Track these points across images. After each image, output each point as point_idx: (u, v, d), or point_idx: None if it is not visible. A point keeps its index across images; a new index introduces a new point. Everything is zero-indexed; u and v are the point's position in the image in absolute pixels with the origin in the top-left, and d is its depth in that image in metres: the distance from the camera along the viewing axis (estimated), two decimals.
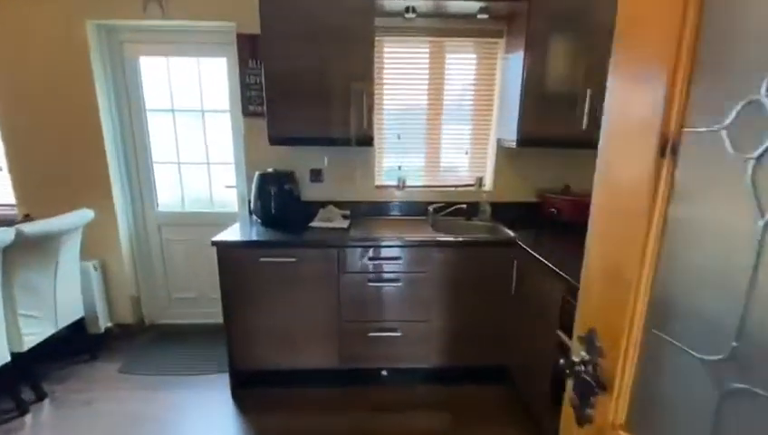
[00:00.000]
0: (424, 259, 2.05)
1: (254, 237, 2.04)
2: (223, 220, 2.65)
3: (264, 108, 2.13)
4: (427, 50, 2.44)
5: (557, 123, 2.05)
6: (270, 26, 2.00)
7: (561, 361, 0.71)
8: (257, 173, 2.31)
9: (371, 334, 2.12)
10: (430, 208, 2.47)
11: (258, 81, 2.35)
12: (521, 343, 2.01)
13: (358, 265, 2.04)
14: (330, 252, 2.01)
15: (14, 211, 2.54)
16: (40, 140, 2.43)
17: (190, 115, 2.65)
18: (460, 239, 2.06)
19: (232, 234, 2.09)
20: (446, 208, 2.50)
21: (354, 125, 2.14)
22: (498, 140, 2.51)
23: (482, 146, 2.60)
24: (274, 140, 2.16)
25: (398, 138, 2.56)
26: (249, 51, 2.33)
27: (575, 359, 0.69)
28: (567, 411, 0.74)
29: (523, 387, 2.00)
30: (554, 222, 2.36)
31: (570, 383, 0.72)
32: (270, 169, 2.34)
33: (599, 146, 0.72)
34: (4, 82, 2.36)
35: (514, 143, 2.21)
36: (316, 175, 2.52)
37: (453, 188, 2.63)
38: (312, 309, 2.07)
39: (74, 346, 2.42)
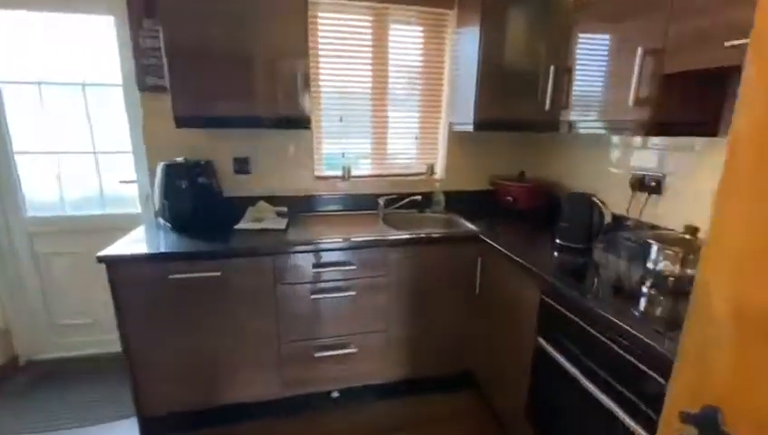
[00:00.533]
0: (379, 261, 1.76)
1: (162, 248, 1.58)
2: (121, 224, 2.10)
3: (167, 78, 1.64)
4: (370, 19, 2.11)
5: (517, 105, 1.86)
6: None
7: None
8: (161, 164, 1.82)
9: (320, 354, 1.78)
10: (381, 201, 2.18)
11: (158, 45, 1.84)
12: (489, 346, 1.82)
13: (300, 275, 1.68)
14: (263, 261, 1.63)
15: None
16: None
17: (66, 90, 2.03)
18: (421, 236, 1.80)
19: (129, 245, 1.60)
20: (399, 200, 2.23)
21: (286, 103, 1.74)
22: (450, 124, 2.28)
23: (431, 130, 2.36)
24: (182, 122, 1.68)
25: (341, 120, 2.21)
26: (143, 6, 1.79)
27: None
28: None
29: (492, 396, 1.82)
30: (511, 211, 2.21)
31: None
32: (179, 159, 1.86)
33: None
34: None
35: (470, 127, 2.00)
36: (242, 165, 2.08)
37: (402, 177, 2.36)
38: (244, 332, 1.68)
39: None
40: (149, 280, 1.52)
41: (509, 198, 2.21)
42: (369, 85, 2.18)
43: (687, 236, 1.28)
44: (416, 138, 2.35)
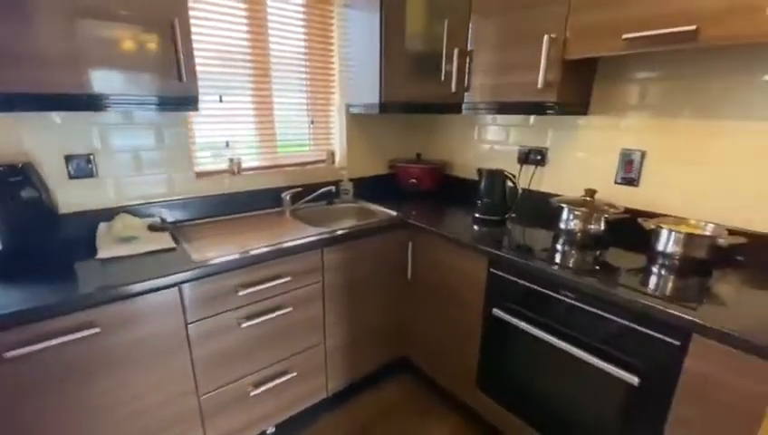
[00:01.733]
0: (314, 266, 1.52)
1: None
2: None
3: None
4: None
5: (423, 87, 1.87)
6: None
7: None
8: None
9: (256, 392, 1.45)
10: (286, 196, 1.88)
11: None
12: (427, 328, 1.84)
13: (221, 303, 1.30)
14: (163, 297, 1.17)
15: None
16: None
17: None
18: (356, 229, 1.63)
19: None
20: (304, 194, 1.97)
21: (157, 75, 1.27)
22: (347, 107, 2.13)
23: (323, 114, 2.16)
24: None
25: (220, 100, 1.77)
26: None
27: None
28: None
29: (436, 372, 1.86)
30: (414, 192, 2.26)
31: None
32: None
33: None
34: None
35: (375, 109, 1.91)
36: (81, 165, 1.44)
37: (300, 167, 2.10)
38: (150, 401, 1.20)
39: None
40: None
41: (413, 180, 2.24)
42: (249, 61, 1.81)
43: (587, 198, 1.55)
44: (312, 122, 2.11)
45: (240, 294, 1.32)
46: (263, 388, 1.46)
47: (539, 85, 1.46)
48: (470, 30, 1.71)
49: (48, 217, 1.24)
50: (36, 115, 1.32)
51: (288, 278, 1.44)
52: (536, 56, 1.46)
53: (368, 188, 2.24)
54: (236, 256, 1.30)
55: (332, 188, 2.01)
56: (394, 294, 1.86)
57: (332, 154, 2.20)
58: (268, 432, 1.60)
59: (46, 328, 0.99)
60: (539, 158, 1.89)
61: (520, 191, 1.78)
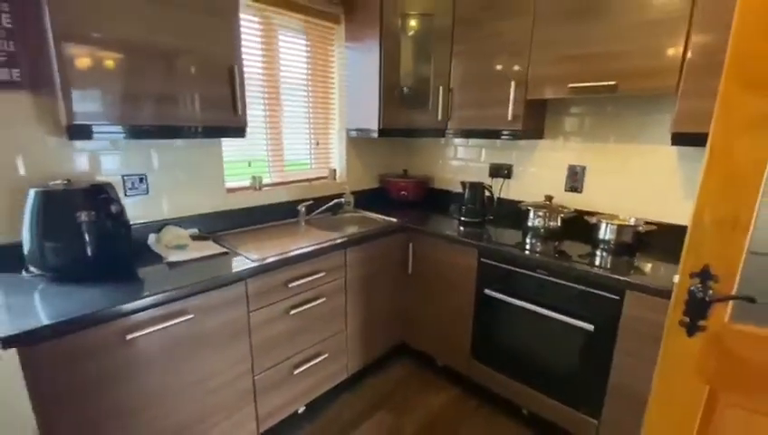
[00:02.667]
0: (340, 263, 1.84)
1: (103, 306, 1.15)
2: None
3: (56, 75, 1.18)
4: (257, 20, 2.04)
5: (414, 115, 2.28)
6: None
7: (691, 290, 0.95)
8: (34, 191, 1.27)
9: (298, 371, 1.72)
10: (301, 208, 2.18)
11: (11, 25, 1.25)
12: (425, 313, 2.20)
13: (273, 295, 1.57)
14: (235, 290, 1.44)
15: None
16: None
17: None
18: (368, 233, 1.97)
19: (40, 312, 1.09)
20: (317, 206, 2.28)
21: (220, 108, 1.55)
22: (347, 131, 2.49)
23: (323, 136, 2.49)
24: (80, 132, 1.25)
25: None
26: None
27: (692, 288, 0.95)
28: (674, 329, 1.00)
29: (435, 351, 2.22)
30: (404, 202, 2.65)
31: (680, 307, 0.97)
32: (56, 183, 1.34)
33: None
34: None
35: (374, 134, 2.29)
36: (136, 184, 1.66)
37: (307, 183, 2.41)
38: (219, 378, 1.44)
39: None
40: (96, 351, 1.11)
41: (403, 192, 2.63)
42: (263, 89, 2.11)
43: (547, 202, 2.03)
44: (317, 144, 2.43)
45: (289, 286, 1.60)
46: (303, 368, 1.73)
47: (508, 118, 1.94)
48: (451, 72, 2.16)
49: (125, 230, 1.45)
50: (101, 142, 1.53)
51: (323, 274, 1.74)
52: (505, 95, 1.93)
53: (364, 199, 2.59)
54: (287, 255, 1.59)
55: (341, 200, 2.34)
56: (397, 287, 2.21)
57: (333, 171, 2.53)
58: (299, 412, 1.86)
59: (154, 315, 1.22)
60: (506, 172, 2.37)
61: (495, 200, 2.24)
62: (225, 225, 1.95)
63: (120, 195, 1.59)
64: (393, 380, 2.21)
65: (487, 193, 2.23)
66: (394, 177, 2.71)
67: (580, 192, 2.09)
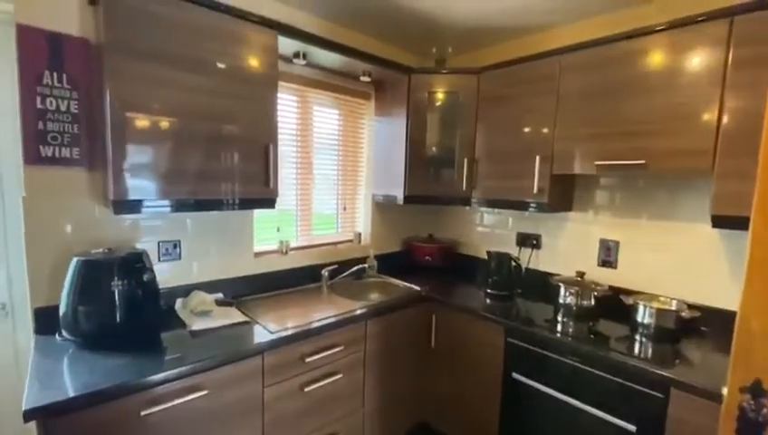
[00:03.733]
0: (359, 336, 1.79)
1: (123, 377, 1.16)
2: None
3: (109, 154, 1.31)
4: (295, 99, 2.21)
5: (438, 183, 2.32)
6: (126, 36, 1.29)
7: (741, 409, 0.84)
8: (77, 259, 1.36)
9: None
10: (325, 272, 2.19)
11: (66, 107, 1.43)
12: (449, 393, 2.07)
13: (289, 369, 1.54)
14: (251, 363, 1.42)
15: None
16: None
17: None
18: (391, 303, 1.94)
19: (58, 382, 1.12)
20: (341, 270, 2.29)
21: (253, 182, 1.65)
22: (373, 196, 2.55)
23: (351, 201, 2.56)
24: (125, 207, 1.36)
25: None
26: (46, 57, 1.38)
27: (743, 404, 0.84)
28: None
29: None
30: (428, 268, 2.61)
31: (730, 424, 0.86)
32: (99, 251, 1.43)
33: None
34: None
35: (400, 201, 2.33)
36: (170, 250, 1.74)
37: (332, 246, 2.44)
38: None
39: None
40: (111, 425, 1.11)
41: (428, 257, 2.61)
42: (296, 158, 2.23)
43: (579, 278, 1.94)
44: (344, 208, 2.50)
45: (306, 361, 1.57)
46: None
47: (534, 191, 1.92)
48: (476, 145, 2.21)
49: (154, 296, 1.50)
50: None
51: (341, 347, 1.70)
52: (530, 169, 1.93)
53: (388, 263, 2.58)
54: (306, 328, 1.58)
55: (365, 265, 2.35)
56: (419, 362, 2.11)
57: (359, 235, 2.56)
58: None
59: (168, 390, 1.22)
60: (534, 242, 2.31)
61: (523, 271, 2.17)
62: (251, 289, 1.98)
63: (154, 260, 1.67)
64: None
65: (514, 264, 2.16)
66: (419, 241, 2.70)
67: (615, 268, 1.98)
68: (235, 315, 1.66)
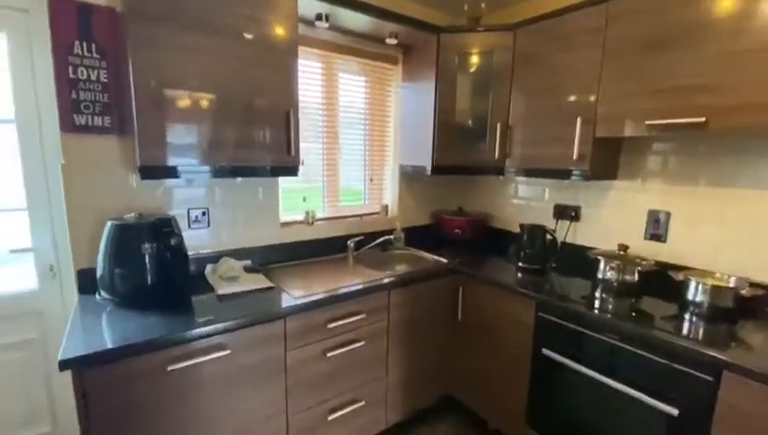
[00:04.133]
0: (383, 305, 1.77)
1: (153, 334, 1.21)
2: (6, 311, 1.54)
3: (135, 123, 1.34)
4: (320, 66, 2.15)
5: (469, 153, 2.20)
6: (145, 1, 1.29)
7: None
8: (111, 223, 1.43)
9: (332, 417, 1.65)
10: (351, 243, 2.18)
11: (97, 76, 1.47)
12: (475, 367, 2.02)
13: (312, 334, 1.55)
14: (274, 327, 1.45)
15: None
16: None
17: None
18: (414, 274, 1.90)
19: (92, 336, 1.19)
20: (367, 242, 2.26)
21: (274, 149, 1.63)
22: (400, 167, 2.48)
23: (378, 172, 2.51)
24: (152, 172, 1.39)
25: (302, 163, 2.13)
26: (76, 27, 1.42)
27: None
28: None
29: (484, 410, 2.01)
30: (459, 242, 2.52)
31: None
32: (130, 216, 1.49)
33: None
34: None
35: (427, 171, 2.24)
36: (198, 217, 1.79)
37: (358, 218, 2.41)
38: (252, 416, 1.43)
39: None
40: (138, 379, 1.17)
41: (457, 230, 2.52)
42: (322, 128, 2.19)
43: (621, 252, 1.78)
44: (371, 180, 2.45)
45: (329, 326, 1.57)
46: (338, 413, 1.66)
47: (573, 157, 1.76)
48: (511, 108, 2.05)
49: (183, 261, 1.55)
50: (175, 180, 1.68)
51: (363, 315, 1.69)
52: (570, 133, 1.77)
53: (415, 236, 2.52)
54: (329, 294, 1.57)
55: (391, 236, 2.31)
56: (445, 335, 2.07)
57: (386, 207, 2.51)
58: None
59: (193, 348, 1.26)
60: (573, 214, 2.15)
61: (559, 244, 2.03)
62: (277, 257, 2.01)
63: (184, 227, 1.73)
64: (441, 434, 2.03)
65: (549, 237, 2.02)
66: (448, 214, 2.61)
67: (664, 241, 1.80)
68: (261, 281, 1.69)
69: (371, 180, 2.46)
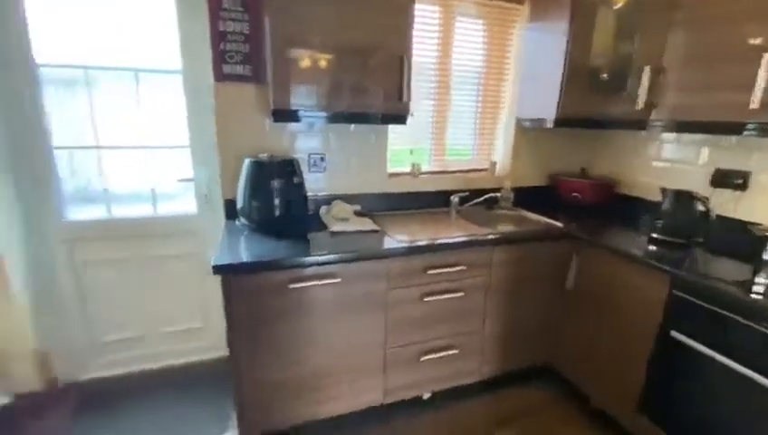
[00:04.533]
0: (484, 260, 1.73)
1: (279, 255, 1.41)
2: (174, 229, 1.93)
3: (270, 70, 1.49)
4: (437, 10, 2.03)
5: (604, 103, 1.91)
6: None
7: None
8: (248, 160, 1.65)
9: (425, 358, 1.73)
10: (454, 199, 2.14)
11: (240, 29, 1.66)
12: (581, 341, 1.86)
13: (412, 278, 1.62)
14: (378, 265, 1.54)
15: None
16: None
17: (114, 76, 1.78)
18: (521, 233, 1.80)
19: (235, 252, 1.44)
20: (471, 198, 2.20)
21: (386, 96, 1.65)
22: (517, 120, 2.28)
23: (490, 125, 2.35)
24: (283, 116, 1.55)
25: (411, 114, 2.12)
26: None
27: None
28: None
29: (587, 386, 1.87)
30: (577, 207, 2.26)
31: None
32: (263, 156, 1.70)
33: None
34: None
35: (549, 124, 2.01)
36: (317, 162, 1.95)
37: (464, 174, 2.34)
38: (354, 340, 1.59)
39: None
40: (267, 291, 1.39)
41: (576, 194, 2.26)
42: (435, 83, 2.12)
43: None
44: (481, 133, 2.33)
45: (429, 272, 1.61)
46: (431, 356, 1.73)
47: (752, 106, 1.39)
48: (667, 47, 1.68)
49: (302, 199, 1.73)
50: (298, 126, 1.85)
51: (463, 267, 1.68)
52: (748, 75, 1.38)
53: (527, 197, 2.34)
54: (430, 242, 1.60)
55: (497, 195, 2.20)
56: (550, 302, 1.94)
57: (494, 164, 2.38)
58: (424, 397, 1.87)
59: (311, 273, 1.43)
60: (740, 181, 1.72)
61: (713, 216, 1.67)
62: (383, 205, 2.10)
63: (305, 170, 1.90)
64: (532, 402, 1.97)
65: (701, 207, 1.68)
66: (568, 176, 2.35)
67: None
68: (368, 224, 1.80)
69: (480, 134, 2.33)
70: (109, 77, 1.77)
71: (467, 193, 2.19)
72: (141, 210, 1.93)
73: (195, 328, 2.10)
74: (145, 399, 1.87)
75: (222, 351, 2.06)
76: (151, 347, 2.05)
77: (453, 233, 1.75)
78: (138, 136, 1.85)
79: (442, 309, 1.71)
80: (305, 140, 1.89)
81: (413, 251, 1.57)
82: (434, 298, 1.66)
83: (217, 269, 1.30)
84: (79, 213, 1.85)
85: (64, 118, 1.74)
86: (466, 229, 1.82)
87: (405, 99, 1.66)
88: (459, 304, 1.73)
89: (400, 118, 1.71)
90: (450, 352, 1.77)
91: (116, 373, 2.00)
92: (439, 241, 1.63)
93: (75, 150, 1.80)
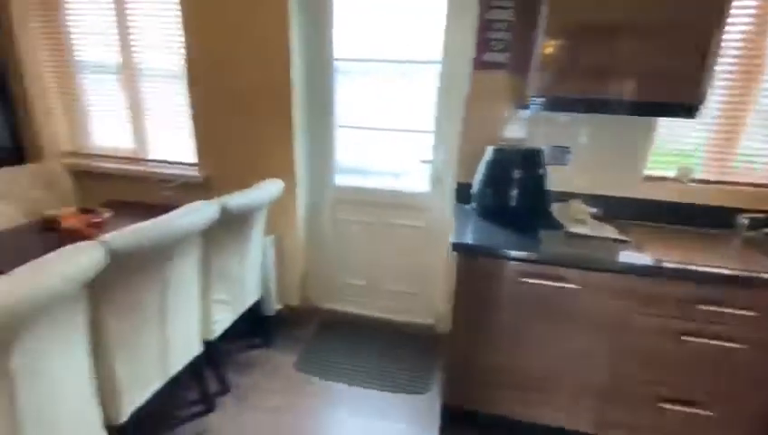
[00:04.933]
0: None
1: (512, 248, 1.40)
2: (409, 203, 2.15)
3: (536, 56, 1.44)
4: None
5: None
6: None
7: None
8: (491, 148, 1.68)
9: (665, 405, 1.43)
10: (743, 219, 1.62)
11: (504, 15, 1.67)
12: None
13: (671, 308, 1.33)
14: (624, 281, 1.33)
15: (194, 173, 2.28)
16: (222, 94, 2.08)
17: (387, 67, 2.09)
18: None
19: (472, 234, 1.51)
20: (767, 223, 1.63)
21: (677, 83, 1.35)
22: None
23: None
24: (549, 104, 1.49)
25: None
26: None
27: None
28: None
29: None
30: None
31: None
32: (505, 144, 1.69)
33: None
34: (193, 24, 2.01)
35: None
36: (559, 155, 1.81)
37: (759, 189, 1.73)
38: (578, 353, 1.45)
39: (248, 330, 2.14)
40: (498, 277, 1.41)
41: None
42: (734, 63, 1.60)
43: None
44: None
45: (699, 308, 1.29)
46: (674, 406, 1.41)
47: None
48: None
49: (541, 193, 1.66)
50: (543, 116, 1.75)
51: (753, 313, 1.27)
52: None
53: None
54: (705, 269, 1.27)
55: None
56: None
57: None
58: None
59: (543, 271, 1.36)
60: None
61: None
62: (631, 213, 1.78)
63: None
64: None
65: None
66: None
67: None
68: (611, 232, 1.58)
69: None
70: (379, 68, 2.09)
71: (763, 214, 1.63)
72: (387, 183, 2.25)
73: (410, 292, 2.36)
74: (365, 338, 2.24)
75: (430, 319, 2.25)
76: (377, 299, 2.42)
77: (739, 264, 1.33)
78: (392, 120, 2.14)
79: (705, 356, 1.35)
80: (548, 131, 1.78)
81: (683, 276, 1.28)
82: (696, 340, 1.32)
83: (456, 246, 1.39)
84: (342, 180, 2.30)
85: (342, 102, 2.17)
86: (760, 263, 1.36)
87: (702, 87, 1.32)
88: (732, 357, 1.33)
89: (689, 109, 1.38)
90: (701, 412, 1.40)
91: (348, 310, 2.47)
92: (726, 272, 1.27)
93: (348, 129, 2.23)
